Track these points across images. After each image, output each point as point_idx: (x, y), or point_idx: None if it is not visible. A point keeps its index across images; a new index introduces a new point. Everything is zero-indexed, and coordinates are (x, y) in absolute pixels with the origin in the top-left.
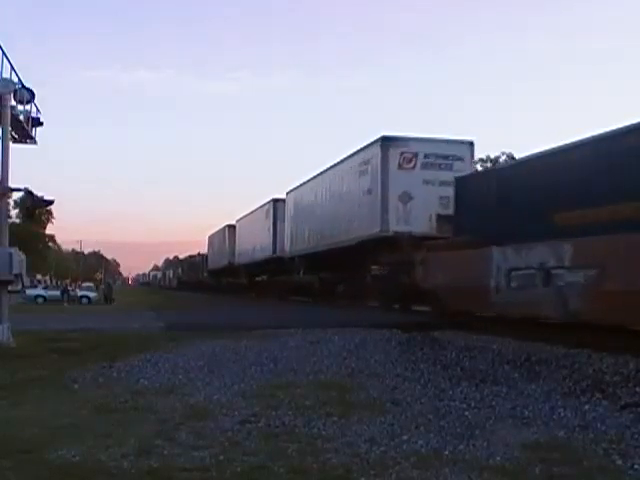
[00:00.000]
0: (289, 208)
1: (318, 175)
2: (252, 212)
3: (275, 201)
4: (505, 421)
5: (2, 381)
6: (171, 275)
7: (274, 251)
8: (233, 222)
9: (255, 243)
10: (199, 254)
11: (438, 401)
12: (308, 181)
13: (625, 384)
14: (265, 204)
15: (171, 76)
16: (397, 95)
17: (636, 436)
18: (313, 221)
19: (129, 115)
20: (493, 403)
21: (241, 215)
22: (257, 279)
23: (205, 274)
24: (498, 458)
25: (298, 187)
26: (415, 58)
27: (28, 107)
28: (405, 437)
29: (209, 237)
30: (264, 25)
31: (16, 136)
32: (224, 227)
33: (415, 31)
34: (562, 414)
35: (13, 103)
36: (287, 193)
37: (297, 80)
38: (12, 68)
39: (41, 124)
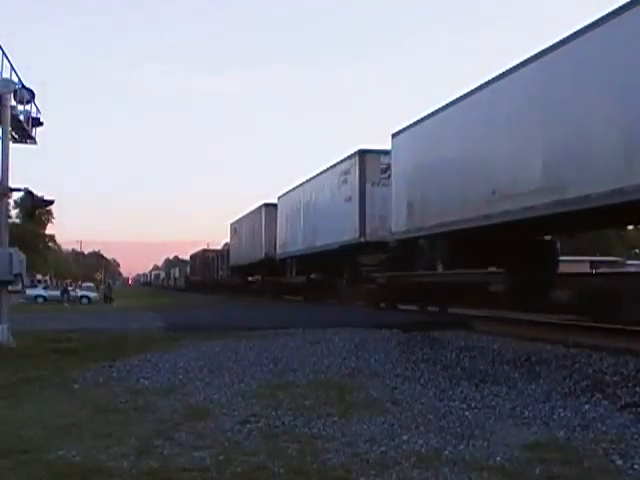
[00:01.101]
0: (402, 158)
1: (496, 80)
2: (310, 180)
3: (363, 153)
4: (505, 421)
5: (2, 381)
6: (177, 274)
7: (361, 233)
8: (272, 200)
9: (317, 224)
10: (201, 251)
11: (438, 401)
12: (460, 99)
13: (625, 384)
14: (343, 160)
15: (172, 75)
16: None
17: (636, 436)
18: (483, 167)
19: (129, 115)
20: (493, 403)
21: (288, 188)
22: (313, 277)
23: (221, 273)
24: (498, 458)
25: (430, 116)
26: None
27: (28, 107)
28: (405, 437)
29: (232, 225)
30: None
31: (16, 136)
32: (259, 207)
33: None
34: (562, 414)
35: (13, 103)
36: (394, 135)
37: (292, 78)
38: (12, 68)
39: (41, 124)
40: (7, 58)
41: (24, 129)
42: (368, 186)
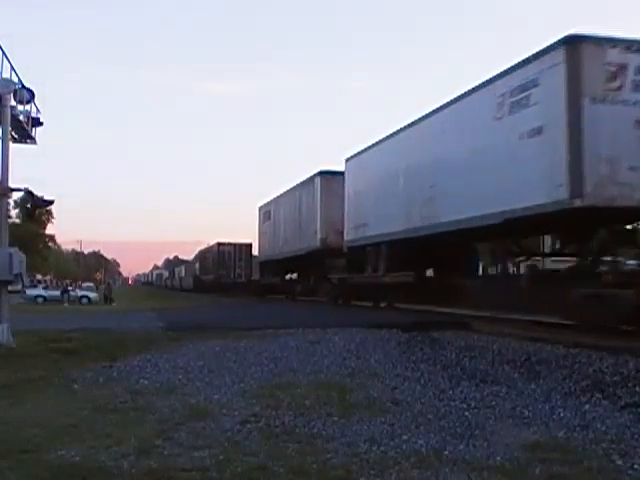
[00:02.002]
0: None
1: None
2: (418, 121)
3: (575, 40)
4: (505, 421)
5: (2, 381)
6: (183, 273)
7: (574, 190)
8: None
9: (443, 188)
10: (215, 244)
11: (438, 401)
12: None
13: (625, 384)
14: (518, 66)
15: (172, 75)
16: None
17: (636, 436)
18: None
19: (129, 114)
20: (493, 403)
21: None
22: (427, 274)
23: (239, 270)
24: (498, 458)
25: None
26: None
27: (28, 107)
28: (405, 437)
29: (261, 208)
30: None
31: (16, 136)
32: (311, 178)
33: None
34: (562, 414)
35: (13, 103)
36: None
37: (295, 79)
38: (12, 68)
39: (41, 124)
40: (7, 58)
41: (24, 129)
42: (586, 103)
